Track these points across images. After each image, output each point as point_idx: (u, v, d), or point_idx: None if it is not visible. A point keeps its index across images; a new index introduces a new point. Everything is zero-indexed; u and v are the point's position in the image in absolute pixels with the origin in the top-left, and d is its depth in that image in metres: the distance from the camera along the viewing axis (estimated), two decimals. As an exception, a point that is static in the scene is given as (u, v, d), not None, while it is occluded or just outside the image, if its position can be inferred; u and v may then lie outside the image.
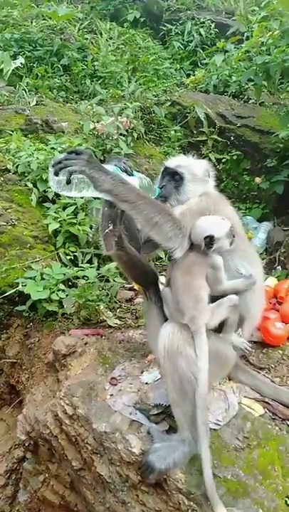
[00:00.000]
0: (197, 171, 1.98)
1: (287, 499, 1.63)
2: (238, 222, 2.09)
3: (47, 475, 2.38)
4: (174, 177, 1.97)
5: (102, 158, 3.90)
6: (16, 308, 2.81)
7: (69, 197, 3.15)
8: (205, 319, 1.76)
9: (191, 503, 1.61)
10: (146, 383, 2.05)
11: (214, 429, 1.79)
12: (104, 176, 1.65)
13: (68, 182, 1.62)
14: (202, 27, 6.76)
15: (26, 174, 3.49)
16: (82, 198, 3.14)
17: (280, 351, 2.26)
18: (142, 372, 2.15)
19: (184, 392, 1.67)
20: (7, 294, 2.78)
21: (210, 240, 1.79)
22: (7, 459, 2.91)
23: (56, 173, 1.64)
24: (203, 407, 1.65)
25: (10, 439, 3.00)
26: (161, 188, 1.95)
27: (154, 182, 2.03)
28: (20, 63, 5.36)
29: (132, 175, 1.87)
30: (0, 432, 3.07)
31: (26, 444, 2.42)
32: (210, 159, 4.68)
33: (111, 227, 1.86)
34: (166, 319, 1.90)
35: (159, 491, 1.72)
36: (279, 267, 3.44)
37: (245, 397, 1.96)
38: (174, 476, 1.66)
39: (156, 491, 1.73)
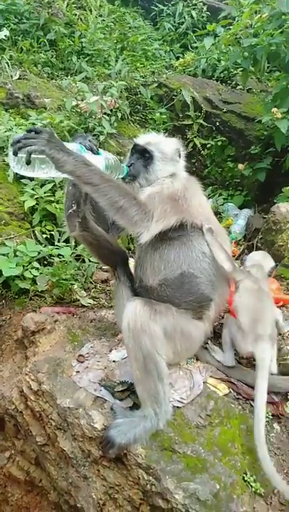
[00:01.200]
0: (167, 150, 1.94)
1: (244, 475, 1.65)
2: (208, 207, 2.08)
3: (13, 451, 2.38)
4: (144, 155, 1.93)
5: (83, 137, 3.84)
6: (-12, 285, 2.76)
7: (30, 178, 3.07)
8: (273, 352, 1.87)
9: (150, 477, 1.62)
10: (113, 361, 2.05)
11: (177, 407, 1.80)
12: (66, 157, 1.58)
13: (28, 162, 1.54)
14: (194, 9, 6.64)
15: (4, 149, 3.40)
16: (45, 178, 3.01)
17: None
18: (110, 351, 2.14)
19: (147, 369, 1.66)
20: (-21, 269, 2.72)
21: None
22: None
23: (15, 153, 1.56)
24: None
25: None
26: (129, 167, 1.90)
27: (123, 161, 1.99)
28: (5, 35, 5.17)
29: (98, 153, 1.81)
30: None
31: (-7, 420, 2.40)
32: (195, 144, 4.65)
33: (74, 208, 1.82)
34: None
35: (119, 466, 1.73)
36: (256, 254, 3.45)
37: (211, 376, 1.98)
38: (134, 451, 1.67)
39: (117, 465, 1.73)
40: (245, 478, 1.64)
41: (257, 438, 1.64)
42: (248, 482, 1.64)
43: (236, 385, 1.95)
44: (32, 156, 1.55)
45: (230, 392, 1.93)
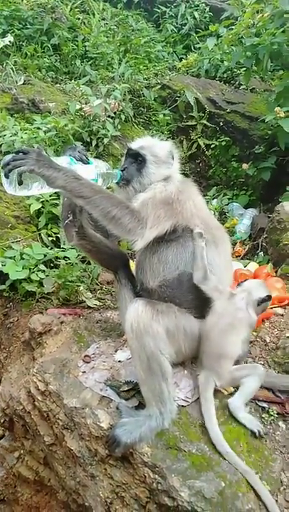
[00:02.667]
0: (161, 153, 1.96)
1: (250, 473, 1.66)
2: (204, 208, 2.08)
3: (22, 451, 2.41)
4: (137, 159, 1.95)
5: (88, 140, 3.88)
6: (-4, 287, 2.80)
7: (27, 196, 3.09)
8: (222, 379, 1.82)
9: (156, 476, 1.64)
10: (119, 361, 2.07)
11: (182, 406, 1.81)
12: (56, 173, 1.61)
13: (20, 183, 1.58)
14: (196, 10, 6.67)
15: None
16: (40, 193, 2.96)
17: (254, 333, 2.28)
18: (116, 351, 2.16)
19: (151, 370, 1.68)
20: (-14, 273, 2.77)
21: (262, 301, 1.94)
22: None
23: (6, 175, 1.58)
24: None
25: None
26: (123, 171, 1.92)
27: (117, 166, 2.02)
28: (9, 41, 5.25)
29: (89, 163, 1.83)
30: (-21, 411, 3.09)
31: (2, 421, 2.44)
32: (199, 145, 4.67)
33: (71, 218, 1.84)
34: None
35: (126, 465, 1.75)
36: (261, 253, 3.46)
37: (216, 376, 1.98)
38: (140, 450, 1.68)
39: (124, 464, 1.75)
40: (251, 476, 1.65)
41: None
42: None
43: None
44: (23, 175, 1.58)
45: (235, 391, 1.94)
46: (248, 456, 1.71)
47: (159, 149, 1.98)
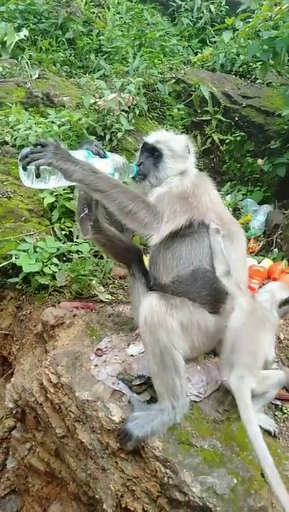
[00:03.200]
0: (177, 148, 1.94)
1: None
2: (219, 202, 2.05)
3: (33, 442, 2.43)
4: (153, 153, 1.93)
5: (102, 134, 3.87)
6: (10, 280, 2.82)
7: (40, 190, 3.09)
8: (252, 383, 1.62)
9: (168, 470, 1.63)
10: (131, 355, 2.07)
11: (195, 401, 1.80)
12: (74, 166, 1.61)
13: (38, 176, 1.57)
14: (212, 3, 6.57)
15: (24, 147, 3.45)
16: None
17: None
18: (128, 345, 2.16)
19: (164, 364, 1.67)
20: (0, 265, 2.79)
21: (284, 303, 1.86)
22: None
23: (24, 168, 1.59)
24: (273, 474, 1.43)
25: (1, 409, 3.05)
26: (139, 165, 1.91)
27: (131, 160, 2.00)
28: (24, 35, 5.26)
29: (106, 157, 1.82)
30: (-8, 402, 3.13)
31: (14, 412, 2.46)
32: (213, 140, 4.61)
33: (86, 211, 1.84)
34: None
35: (137, 459, 1.75)
36: (276, 249, 3.41)
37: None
38: (151, 444, 1.68)
39: (135, 458, 1.75)
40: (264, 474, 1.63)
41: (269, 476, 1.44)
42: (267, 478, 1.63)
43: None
44: (41, 168, 1.58)
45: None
46: (261, 453, 1.69)
47: (175, 143, 1.96)
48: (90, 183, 1.65)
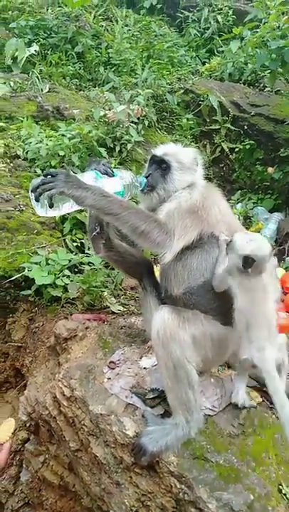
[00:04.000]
0: (185, 160, 1.94)
1: (280, 486, 1.61)
2: (229, 213, 2.05)
3: (47, 456, 2.42)
4: (161, 165, 1.94)
5: (112, 146, 3.91)
6: (22, 292, 2.84)
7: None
8: (274, 352, 1.62)
9: (183, 486, 1.61)
10: (144, 368, 2.06)
11: (209, 415, 1.78)
12: (85, 192, 1.63)
13: (51, 206, 1.60)
14: (220, 14, 6.63)
15: (35, 160, 3.52)
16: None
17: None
18: (141, 358, 2.15)
19: (177, 378, 1.66)
20: (13, 278, 2.81)
21: (247, 261, 1.66)
22: (12, 440, 2.97)
23: (37, 199, 1.61)
24: None
25: (15, 421, 3.06)
26: (147, 177, 1.91)
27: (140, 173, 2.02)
28: (35, 50, 5.37)
29: (114, 175, 1.83)
30: (6, 414, 3.13)
31: (27, 425, 2.46)
32: (222, 148, 4.63)
33: (98, 230, 1.85)
34: None
35: (151, 474, 1.73)
36: (288, 258, 3.39)
37: (243, 385, 1.95)
38: (166, 459, 1.66)
39: (149, 473, 1.73)
40: (282, 490, 1.60)
41: None
42: (284, 494, 1.60)
43: (269, 394, 1.90)
44: (53, 198, 1.59)
45: (263, 401, 1.90)
46: (278, 468, 1.67)
47: (183, 156, 1.97)
48: (101, 207, 1.67)
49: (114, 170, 1.88)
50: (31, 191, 1.62)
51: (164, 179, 1.94)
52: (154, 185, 1.94)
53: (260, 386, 1.94)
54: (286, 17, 3.72)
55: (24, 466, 2.71)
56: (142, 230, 1.69)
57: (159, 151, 2.01)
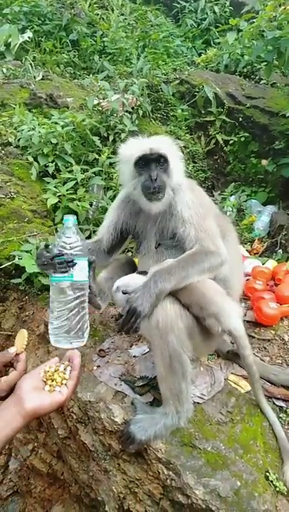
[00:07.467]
0: (172, 148, 1.87)
1: (267, 473, 1.62)
2: (205, 195, 2.04)
3: (36, 444, 2.42)
4: (159, 161, 1.81)
5: (105, 135, 3.86)
6: (12, 281, 2.81)
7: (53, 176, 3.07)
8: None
9: (170, 472, 1.61)
10: (134, 356, 2.05)
11: (198, 403, 1.78)
12: (160, 286, 1.63)
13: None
14: (216, 4, 6.57)
15: (27, 148, 3.47)
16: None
17: (272, 331, 2.24)
18: (131, 346, 2.15)
19: (172, 367, 1.63)
20: (3, 266, 2.78)
21: None
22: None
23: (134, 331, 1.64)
24: None
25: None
26: (155, 179, 1.78)
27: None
28: (28, 37, 5.29)
29: (74, 259, 1.55)
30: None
31: (16, 413, 2.45)
32: (217, 140, 4.60)
33: (88, 291, 1.66)
34: None
35: (139, 460, 1.73)
36: (280, 250, 3.38)
37: (232, 373, 1.95)
38: (154, 446, 1.66)
39: (137, 460, 1.73)
40: (269, 477, 1.61)
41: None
42: (271, 481, 1.61)
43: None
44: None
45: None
46: (265, 456, 1.67)
47: (166, 144, 1.87)
48: (176, 282, 1.66)
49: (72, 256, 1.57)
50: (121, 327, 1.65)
51: (167, 175, 1.83)
52: (163, 186, 1.81)
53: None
54: (282, 8, 3.67)
55: (13, 454, 2.71)
56: (206, 267, 1.72)
57: (151, 148, 1.82)
